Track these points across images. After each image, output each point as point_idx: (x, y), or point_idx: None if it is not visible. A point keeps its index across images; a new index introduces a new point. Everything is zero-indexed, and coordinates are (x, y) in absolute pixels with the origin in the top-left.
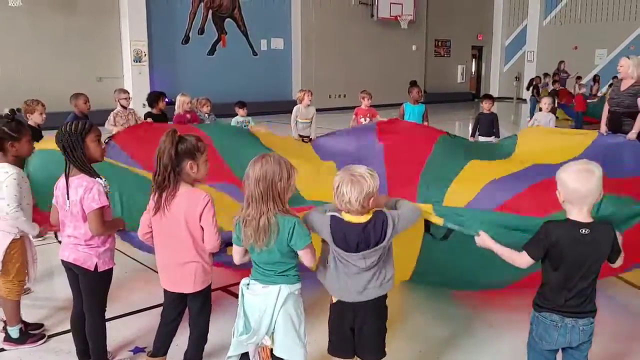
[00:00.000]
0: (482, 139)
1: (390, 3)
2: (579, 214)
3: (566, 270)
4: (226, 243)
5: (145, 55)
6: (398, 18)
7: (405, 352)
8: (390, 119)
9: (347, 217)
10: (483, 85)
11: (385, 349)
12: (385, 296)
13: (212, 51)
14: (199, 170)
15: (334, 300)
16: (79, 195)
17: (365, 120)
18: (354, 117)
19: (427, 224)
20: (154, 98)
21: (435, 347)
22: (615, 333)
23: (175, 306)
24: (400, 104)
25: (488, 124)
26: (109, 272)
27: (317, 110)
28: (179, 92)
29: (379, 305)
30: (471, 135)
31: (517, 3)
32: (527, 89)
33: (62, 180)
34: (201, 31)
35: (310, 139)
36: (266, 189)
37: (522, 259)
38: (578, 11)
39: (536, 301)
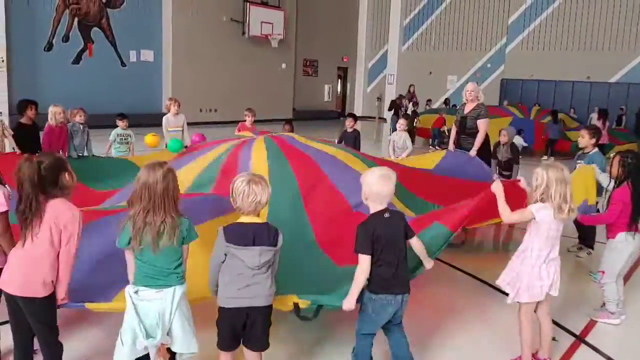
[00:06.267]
0: None
1: (261, 22)
2: (379, 206)
3: (385, 249)
4: None
5: (2, 61)
6: (269, 37)
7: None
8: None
9: (242, 219)
10: (348, 104)
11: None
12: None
13: (77, 60)
14: (73, 177)
15: (225, 306)
16: None
17: None
18: (237, 133)
19: (296, 307)
20: (23, 106)
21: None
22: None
23: None
24: (270, 120)
25: (351, 141)
26: None
27: (188, 124)
28: (41, 100)
29: (269, 307)
30: None
31: (379, 29)
32: (389, 109)
33: None
34: (66, 39)
35: (186, 146)
36: (168, 195)
37: (363, 264)
38: (432, 40)
39: (371, 287)
